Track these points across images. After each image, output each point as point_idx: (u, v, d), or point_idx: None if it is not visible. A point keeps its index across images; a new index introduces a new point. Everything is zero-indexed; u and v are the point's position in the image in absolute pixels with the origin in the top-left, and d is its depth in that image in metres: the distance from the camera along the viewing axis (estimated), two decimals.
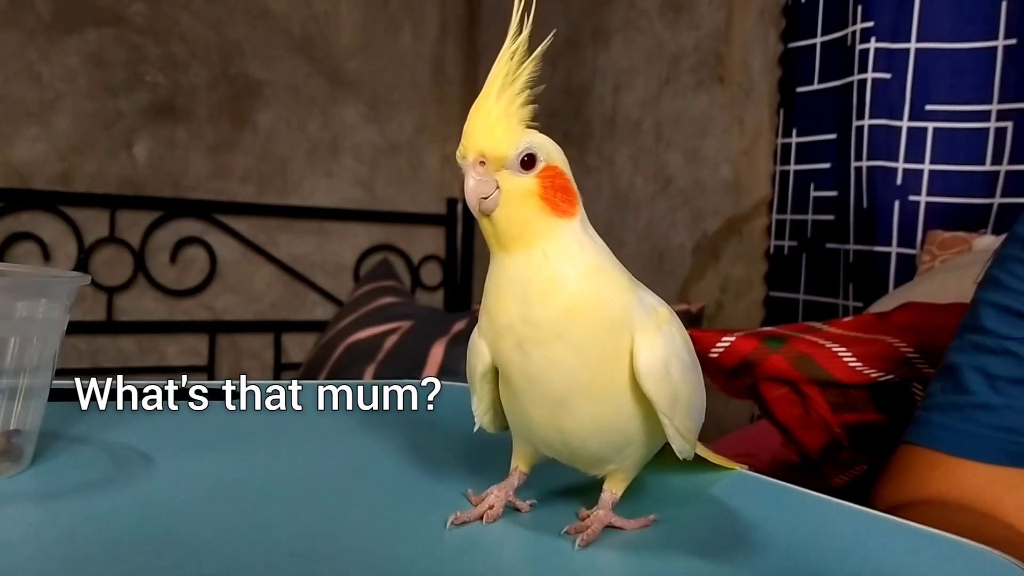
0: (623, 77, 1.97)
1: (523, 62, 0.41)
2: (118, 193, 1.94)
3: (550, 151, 0.42)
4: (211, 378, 2.04)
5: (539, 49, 0.41)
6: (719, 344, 0.83)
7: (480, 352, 0.43)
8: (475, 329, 0.44)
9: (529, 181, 0.40)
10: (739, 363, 0.83)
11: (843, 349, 0.81)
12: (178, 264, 2.01)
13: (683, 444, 0.43)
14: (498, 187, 0.40)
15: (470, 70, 2.32)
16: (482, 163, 0.40)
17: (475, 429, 0.46)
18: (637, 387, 0.41)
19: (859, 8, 1.40)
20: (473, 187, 0.40)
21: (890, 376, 0.80)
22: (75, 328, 1.95)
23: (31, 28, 1.87)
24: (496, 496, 0.44)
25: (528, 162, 0.40)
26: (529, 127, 0.41)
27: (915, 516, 0.53)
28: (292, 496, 0.46)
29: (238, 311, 2.09)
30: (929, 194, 1.36)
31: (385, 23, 2.23)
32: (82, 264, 1.91)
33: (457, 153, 0.41)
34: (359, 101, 2.20)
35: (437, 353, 1.51)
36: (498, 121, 0.40)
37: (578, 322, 0.39)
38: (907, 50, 1.37)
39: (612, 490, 0.44)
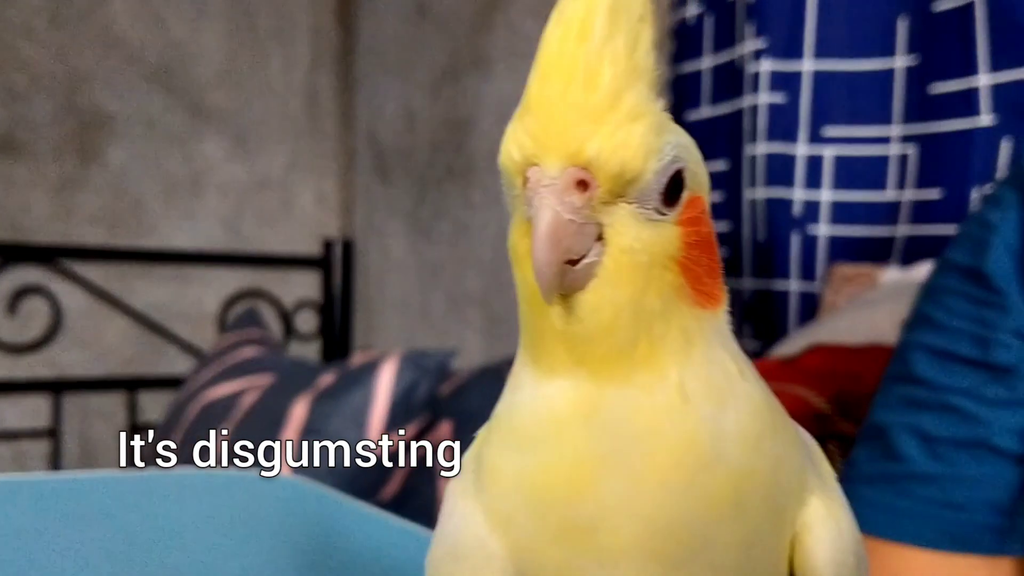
0: (508, 107, 1.83)
1: None
2: None
3: (698, 168, 0.23)
4: (56, 443, 1.83)
5: None
6: None
7: (488, 561, 0.22)
8: (462, 502, 0.23)
9: (668, 233, 0.21)
10: None
11: None
12: (17, 316, 1.80)
13: None
14: (600, 238, 0.21)
15: (346, 101, 2.17)
16: (581, 184, 0.21)
17: None
18: None
19: (749, 26, 1.30)
20: (558, 230, 0.20)
21: None
22: None
23: None
24: None
25: (672, 190, 0.21)
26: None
27: None
28: None
29: (87, 367, 1.88)
30: (830, 224, 1.26)
31: (251, 52, 2.07)
32: None
33: (508, 152, 0.22)
34: (223, 135, 2.03)
35: (299, 412, 1.35)
36: (622, 90, 0.21)
37: (739, 520, 0.21)
38: (801, 70, 1.27)
39: None
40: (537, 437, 0.22)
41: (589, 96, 0.20)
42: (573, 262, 0.21)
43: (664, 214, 0.21)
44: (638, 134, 0.20)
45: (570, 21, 0.21)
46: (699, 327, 0.22)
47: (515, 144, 0.21)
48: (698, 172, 0.23)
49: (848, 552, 0.24)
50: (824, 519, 0.23)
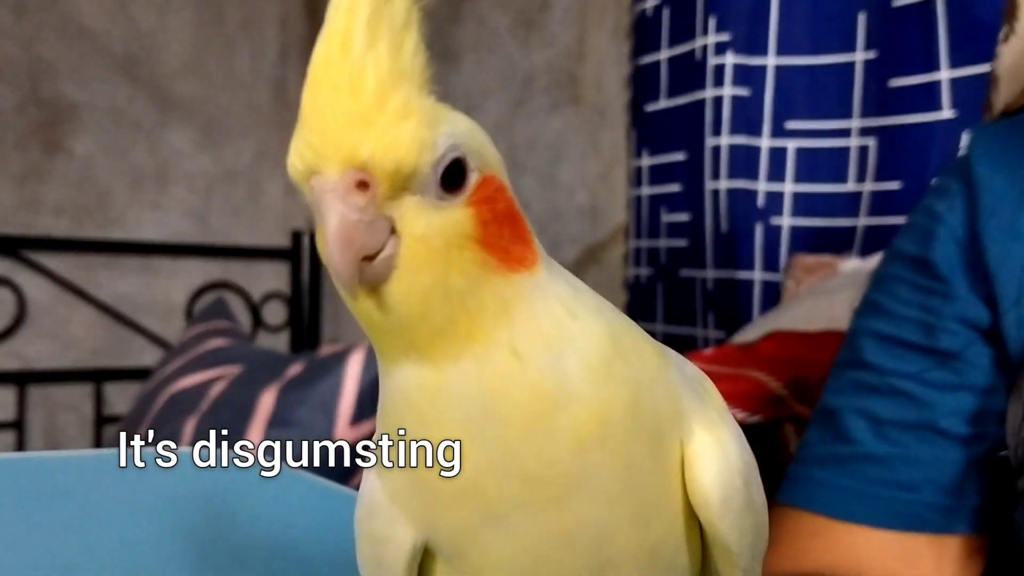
0: (475, 99, 1.85)
1: None
2: None
3: (483, 149, 0.24)
4: (21, 436, 1.82)
5: None
6: None
7: (396, 539, 0.24)
8: (366, 489, 0.25)
9: (458, 215, 0.22)
10: None
11: None
12: None
13: None
14: (394, 232, 0.22)
15: None
16: (362, 185, 0.21)
17: None
18: (691, 514, 0.25)
19: (711, 20, 1.32)
20: (347, 231, 0.21)
21: (758, 417, 0.69)
22: None
23: None
24: None
25: (454, 176, 0.22)
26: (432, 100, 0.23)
27: None
28: None
29: (52, 359, 1.86)
30: (792, 216, 1.28)
31: (219, 42, 2.06)
32: None
33: (293, 164, 0.22)
34: (190, 126, 2.02)
35: (267, 402, 1.35)
36: (387, 93, 0.22)
37: (610, 449, 0.22)
38: (765, 64, 1.29)
39: None
40: (400, 425, 0.23)
41: (356, 102, 0.21)
42: (371, 258, 0.22)
43: (448, 199, 0.22)
44: (408, 131, 0.22)
45: (333, 36, 0.22)
46: (517, 291, 0.23)
47: (297, 155, 0.22)
48: (484, 154, 0.23)
49: (736, 474, 0.25)
50: (710, 446, 0.24)
